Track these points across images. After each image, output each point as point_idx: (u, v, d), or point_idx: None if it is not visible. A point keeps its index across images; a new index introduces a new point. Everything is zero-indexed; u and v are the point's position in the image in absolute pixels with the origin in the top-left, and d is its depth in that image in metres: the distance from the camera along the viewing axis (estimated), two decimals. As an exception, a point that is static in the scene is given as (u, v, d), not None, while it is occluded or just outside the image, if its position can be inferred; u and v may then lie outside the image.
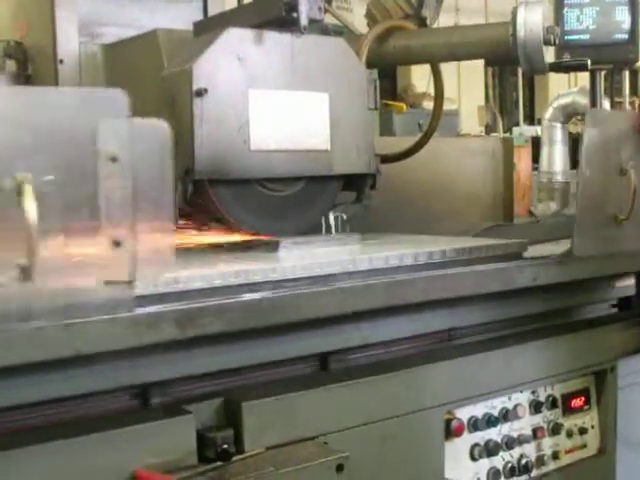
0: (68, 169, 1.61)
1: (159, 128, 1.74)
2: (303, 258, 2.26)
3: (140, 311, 1.72)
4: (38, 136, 1.57)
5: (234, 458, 1.81)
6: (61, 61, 2.75)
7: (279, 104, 2.40)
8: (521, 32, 2.77)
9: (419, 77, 10.20)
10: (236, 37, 2.34)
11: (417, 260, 2.31)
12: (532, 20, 2.77)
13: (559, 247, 2.61)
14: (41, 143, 1.57)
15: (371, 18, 3.23)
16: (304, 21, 2.34)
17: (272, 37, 2.40)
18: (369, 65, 2.75)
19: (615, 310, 2.91)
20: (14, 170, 1.51)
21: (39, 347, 1.60)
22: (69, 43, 2.76)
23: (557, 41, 2.79)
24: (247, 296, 1.91)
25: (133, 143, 1.65)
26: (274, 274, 2.05)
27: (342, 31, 3.53)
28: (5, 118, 1.54)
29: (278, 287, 2.01)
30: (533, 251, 2.58)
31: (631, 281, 2.85)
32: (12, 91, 1.72)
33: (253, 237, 2.45)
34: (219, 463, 1.79)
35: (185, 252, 2.26)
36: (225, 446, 1.80)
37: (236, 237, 2.44)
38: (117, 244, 1.64)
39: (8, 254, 1.53)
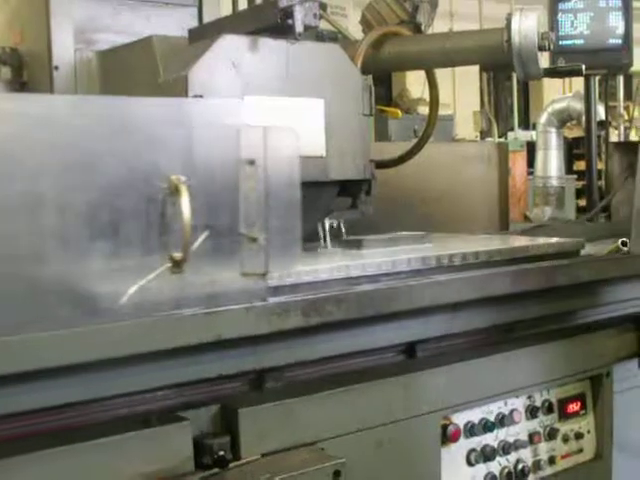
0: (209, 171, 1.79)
1: (290, 134, 1.90)
2: (394, 254, 2.42)
3: (272, 300, 1.88)
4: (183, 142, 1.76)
5: (231, 465, 1.81)
6: (56, 68, 2.75)
7: (274, 111, 2.41)
8: (516, 38, 2.78)
9: (414, 83, 10.22)
10: (231, 44, 2.35)
11: (502, 256, 2.51)
12: (527, 26, 2.78)
13: (605, 246, 2.81)
14: (183, 149, 1.76)
15: (366, 24, 3.24)
16: (299, 28, 2.34)
17: (267, 44, 2.40)
18: (364, 71, 2.75)
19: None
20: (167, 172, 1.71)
21: (184, 333, 1.74)
22: (64, 50, 2.76)
23: (552, 47, 2.80)
24: (364, 287, 2.11)
25: (267, 148, 1.83)
26: (386, 266, 2.29)
27: (336, 37, 3.54)
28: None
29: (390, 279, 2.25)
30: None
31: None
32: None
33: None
34: (216, 470, 1.79)
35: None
36: (221, 453, 1.80)
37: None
38: (253, 240, 1.82)
39: (162, 248, 1.71)
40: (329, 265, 2.21)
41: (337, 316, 1.98)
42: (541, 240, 2.78)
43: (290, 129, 1.90)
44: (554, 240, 2.75)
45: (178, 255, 1.71)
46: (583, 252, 2.77)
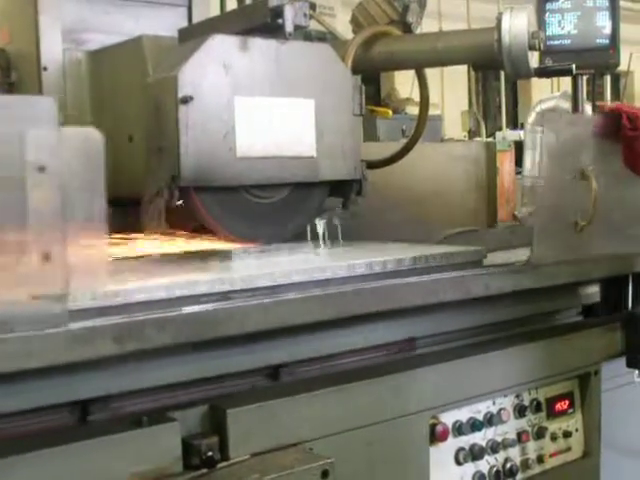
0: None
1: (90, 136, 1.69)
2: (260, 267, 2.24)
3: (75, 326, 1.66)
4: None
5: (219, 465, 1.81)
6: (45, 68, 2.73)
7: (265, 111, 2.41)
8: (506, 37, 2.78)
9: (402, 83, 10.22)
10: (221, 44, 2.34)
11: (372, 269, 2.26)
12: (517, 25, 2.78)
13: (519, 254, 2.58)
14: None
15: (356, 24, 3.23)
16: (289, 27, 2.34)
17: (257, 44, 2.39)
18: (355, 71, 2.75)
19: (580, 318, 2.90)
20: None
21: None
22: (53, 50, 2.75)
23: (542, 46, 2.80)
24: (188, 309, 1.85)
25: (62, 152, 1.61)
26: (222, 285, 1.99)
27: (325, 37, 3.54)
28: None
29: (225, 299, 1.96)
30: (494, 258, 2.56)
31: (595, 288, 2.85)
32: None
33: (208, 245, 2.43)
34: (204, 470, 1.79)
35: (142, 262, 2.27)
36: (210, 453, 1.80)
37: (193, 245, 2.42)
38: (47, 257, 1.59)
39: None
40: (148, 284, 1.93)
41: (155, 342, 1.77)
42: (439, 249, 2.51)
43: (91, 130, 1.70)
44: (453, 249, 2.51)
45: None
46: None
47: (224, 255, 2.38)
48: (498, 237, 3.11)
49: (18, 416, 1.74)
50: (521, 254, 2.55)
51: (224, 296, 1.96)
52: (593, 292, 2.85)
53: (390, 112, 9.17)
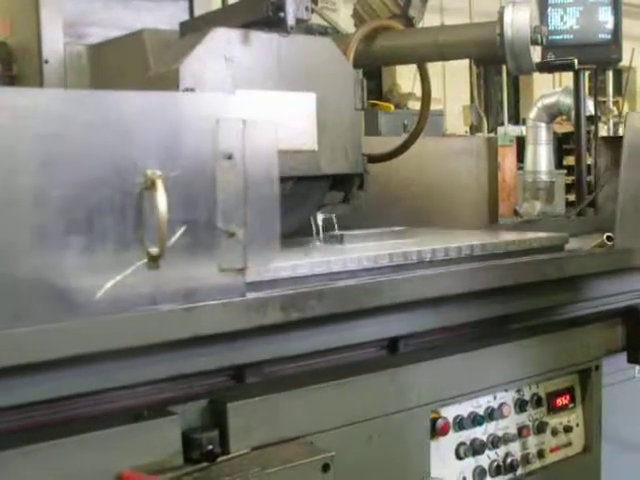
0: (186, 165, 1.76)
1: (269, 127, 1.88)
2: (376, 249, 2.40)
3: (250, 296, 1.86)
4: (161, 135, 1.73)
5: (220, 459, 1.81)
6: (46, 61, 2.73)
7: (266, 104, 2.40)
8: (508, 32, 2.78)
9: (404, 77, 10.22)
10: (223, 37, 2.34)
11: (485, 251, 2.52)
12: (519, 20, 2.78)
13: (591, 241, 2.88)
14: (160, 142, 1.73)
15: (358, 18, 3.23)
16: (291, 21, 2.33)
17: (259, 37, 2.39)
18: (356, 65, 2.75)
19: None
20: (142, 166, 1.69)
21: (161, 329, 1.74)
22: (54, 43, 2.75)
23: (544, 40, 2.80)
24: (344, 282, 2.11)
25: (245, 142, 1.82)
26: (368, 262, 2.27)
27: (326, 31, 3.53)
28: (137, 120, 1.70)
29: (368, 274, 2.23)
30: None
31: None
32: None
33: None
34: (205, 464, 1.79)
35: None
36: (210, 447, 1.80)
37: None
38: (231, 235, 1.81)
39: (139, 244, 1.69)
40: (309, 260, 2.19)
41: (316, 311, 1.97)
42: (525, 235, 2.79)
43: (269, 122, 1.88)
44: (539, 235, 2.75)
45: (154, 250, 1.69)
46: (567, 247, 2.77)
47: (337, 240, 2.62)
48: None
49: (184, 379, 1.89)
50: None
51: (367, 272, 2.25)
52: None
53: (392, 107, 9.17)
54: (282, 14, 2.33)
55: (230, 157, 1.80)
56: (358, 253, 2.30)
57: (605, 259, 2.71)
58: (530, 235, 2.75)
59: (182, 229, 1.74)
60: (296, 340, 2.05)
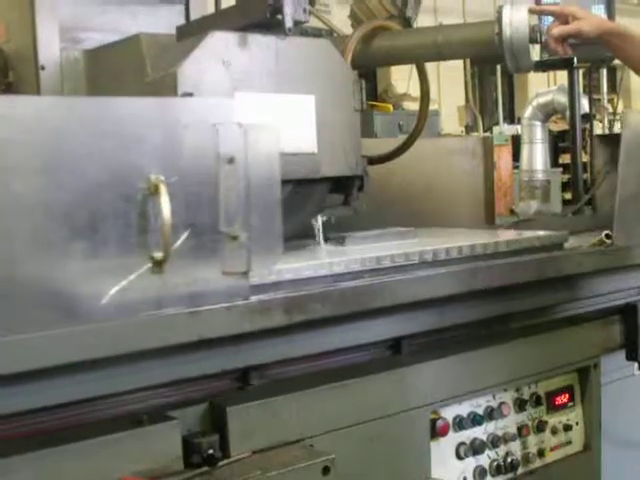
0: (189, 170, 1.79)
1: (269, 131, 1.91)
2: (378, 250, 2.39)
3: (254, 299, 1.89)
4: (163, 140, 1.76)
5: (220, 463, 1.81)
6: (42, 67, 2.72)
7: (265, 107, 2.40)
8: (507, 31, 2.78)
9: (399, 78, 10.21)
10: (220, 40, 2.33)
11: (486, 250, 2.52)
12: (518, 19, 2.78)
13: (590, 239, 2.85)
14: (163, 147, 1.76)
15: (355, 19, 3.23)
16: (289, 23, 2.32)
17: (257, 40, 2.38)
18: (354, 66, 2.74)
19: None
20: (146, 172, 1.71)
21: (166, 333, 1.76)
22: (50, 49, 2.73)
23: (543, 39, 2.80)
24: (347, 283, 2.12)
25: (247, 145, 1.84)
26: (370, 263, 2.27)
27: (321, 34, 3.53)
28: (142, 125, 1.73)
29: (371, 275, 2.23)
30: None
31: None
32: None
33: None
34: (205, 468, 1.79)
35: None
36: (211, 451, 1.81)
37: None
38: (234, 238, 1.83)
39: (142, 248, 1.71)
40: (312, 262, 2.20)
41: (320, 313, 1.99)
42: (525, 233, 2.80)
43: (270, 126, 1.90)
44: (539, 233, 2.76)
45: (159, 255, 1.71)
46: (567, 245, 2.79)
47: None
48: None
49: (186, 383, 1.91)
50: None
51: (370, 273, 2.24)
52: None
53: (391, 107, 9.15)
54: (280, 16, 2.32)
55: (232, 161, 1.82)
56: (360, 255, 2.30)
57: (604, 257, 2.72)
58: (530, 234, 2.75)
59: (185, 233, 1.76)
60: (300, 342, 2.06)
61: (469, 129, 10.04)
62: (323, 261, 2.22)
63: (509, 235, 2.83)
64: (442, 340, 2.43)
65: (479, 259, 2.48)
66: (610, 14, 5.56)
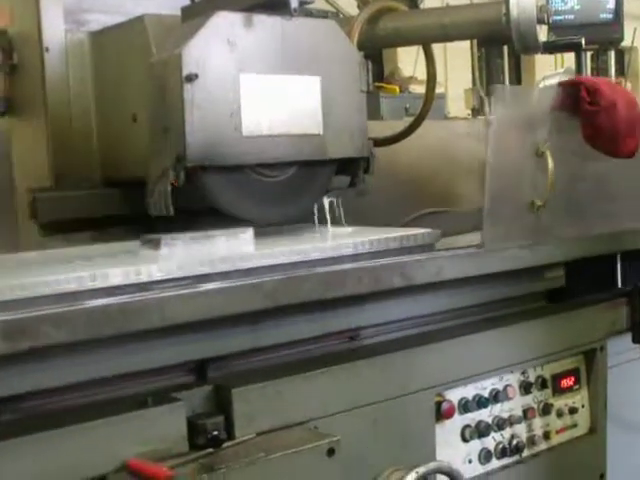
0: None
1: None
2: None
3: None
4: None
5: (225, 444, 1.81)
6: (47, 49, 2.71)
7: (270, 88, 2.38)
8: (514, 11, 2.76)
9: (405, 61, 10.17)
10: (225, 21, 2.32)
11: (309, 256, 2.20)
12: None
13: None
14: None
15: (361, 0, 3.20)
16: (294, 3, 2.31)
17: (262, 20, 2.37)
18: (360, 47, 2.73)
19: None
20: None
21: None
22: (55, 31, 2.72)
23: (550, 20, 2.77)
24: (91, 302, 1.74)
25: None
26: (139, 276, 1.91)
27: (327, 16, 3.51)
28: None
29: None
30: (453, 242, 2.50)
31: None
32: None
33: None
34: (210, 450, 1.79)
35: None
36: (216, 433, 1.81)
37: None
38: None
39: None
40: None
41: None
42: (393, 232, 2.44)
43: None
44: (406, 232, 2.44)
45: None
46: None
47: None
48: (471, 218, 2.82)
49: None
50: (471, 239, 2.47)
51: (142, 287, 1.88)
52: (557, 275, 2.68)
53: (397, 89, 9.10)
54: (285, -4, 2.31)
55: None
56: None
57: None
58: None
59: None
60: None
61: (476, 112, 10.00)
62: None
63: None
64: (448, 323, 2.43)
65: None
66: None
